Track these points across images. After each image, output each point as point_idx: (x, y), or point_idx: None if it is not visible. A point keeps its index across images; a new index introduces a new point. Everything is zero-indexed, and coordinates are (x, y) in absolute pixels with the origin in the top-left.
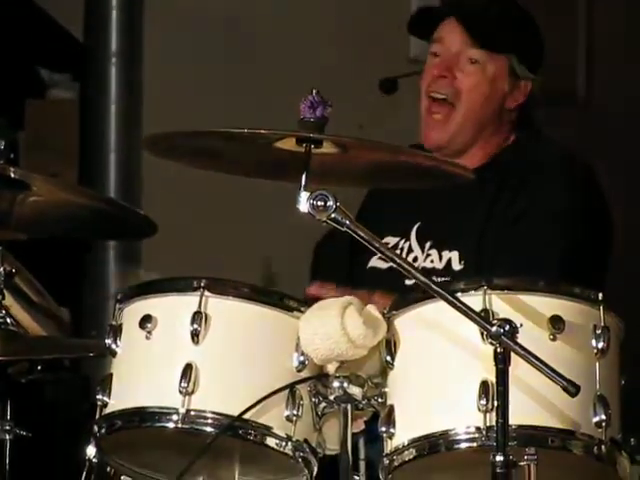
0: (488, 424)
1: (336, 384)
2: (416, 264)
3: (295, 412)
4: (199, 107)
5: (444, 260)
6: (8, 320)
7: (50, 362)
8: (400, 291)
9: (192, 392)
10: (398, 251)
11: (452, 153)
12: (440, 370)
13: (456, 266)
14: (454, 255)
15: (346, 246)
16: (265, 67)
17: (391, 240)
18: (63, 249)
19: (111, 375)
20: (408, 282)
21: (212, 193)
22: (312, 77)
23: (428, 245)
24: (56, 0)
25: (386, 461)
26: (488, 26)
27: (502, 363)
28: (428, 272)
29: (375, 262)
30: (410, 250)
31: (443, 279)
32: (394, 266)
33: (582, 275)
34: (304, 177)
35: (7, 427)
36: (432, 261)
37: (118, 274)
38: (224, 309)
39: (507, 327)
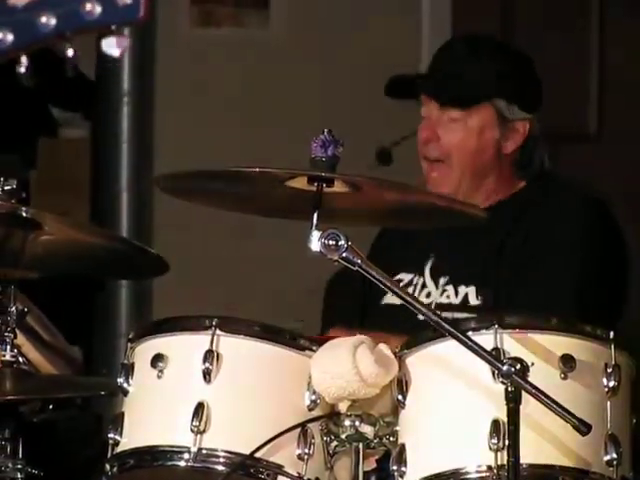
0: (499, 463)
1: (348, 423)
2: (430, 299)
3: (307, 451)
4: (211, 146)
5: (460, 295)
6: (20, 359)
7: (62, 401)
8: (415, 327)
9: (204, 431)
10: (412, 287)
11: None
12: (451, 409)
13: (473, 301)
14: (471, 290)
15: (358, 284)
16: (279, 105)
17: (405, 277)
18: (75, 288)
19: (123, 414)
20: (421, 318)
21: (224, 231)
22: (324, 116)
23: (443, 281)
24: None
25: None
26: (460, 89)
27: (513, 402)
28: (445, 307)
29: (390, 299)
30: (424, 286)
31: (461, 314)
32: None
33: (599, 312)
34: (315, 216)
35: (19, 466)
36: (448, 297)
37: (130, 313)
38: (236, 348)
39: (518, 366)
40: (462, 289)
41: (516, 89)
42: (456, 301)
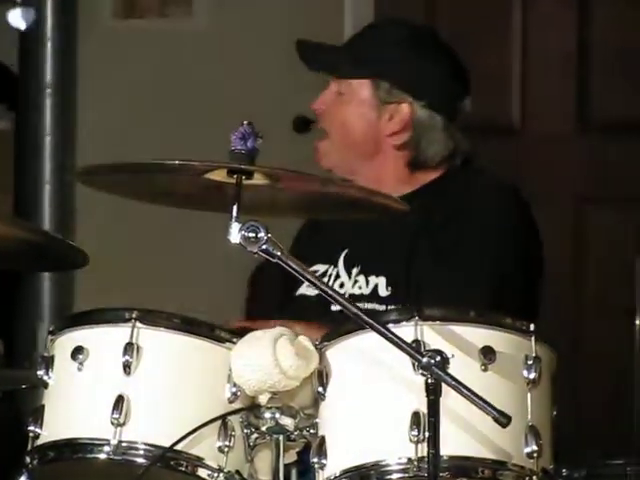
0: (420, 455)
1: (268, 415)
2: (343, 290)
3: (227, 443)
4: (133, 138)
5: (371, 285)
6: None
7: None
8: (328, 318)
9: (124, 423)
10: (326, 278)
11: (346, 174)
12: (371, 401)
13: (383, 292)
14: (381, 281)
15: (278, 275)
16: (198, 98)
17: (320, 267)
18: None
19: (43, 406)
20: (335, 308)
21: (145, 224)
22: (243, 108)
23: (355, 271)
24: None
25: None
26: (337, 60)
27: (433, 394)
28: (356, 298)
29: (304, 290)
30: (337, 276)
31: (370, 305)
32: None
33: (513, 305)
34: (235, 208)
35: None
36: (360, 287)
37: (52, 305)
38: (156, 340)
39: (438, 358)
40: (372, 279)
41: (404, 73)
42: (367, 291)
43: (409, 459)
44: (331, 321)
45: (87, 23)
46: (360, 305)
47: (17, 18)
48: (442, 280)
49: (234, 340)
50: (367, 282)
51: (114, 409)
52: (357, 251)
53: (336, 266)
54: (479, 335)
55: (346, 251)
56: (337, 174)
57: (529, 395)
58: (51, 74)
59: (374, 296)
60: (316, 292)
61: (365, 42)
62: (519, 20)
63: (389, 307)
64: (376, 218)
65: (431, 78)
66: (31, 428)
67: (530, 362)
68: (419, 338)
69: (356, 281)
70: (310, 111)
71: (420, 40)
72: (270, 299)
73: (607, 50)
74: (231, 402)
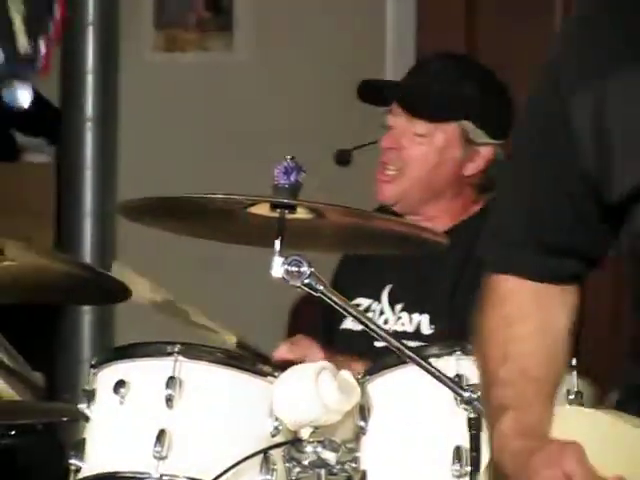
0: None
1: (310, 449)
2: (387, 326)
3: (269, 477)
4: (174, 172)
5: (414, 323)
6: None
7: (23, 427)
8: (371, 353)
9: (166, 457)
10: (370, 313)
11: (405, 210)
12: (413, 435)
13: (426, 330)
14: (424, 318)
15: (320, 309)
16: (240, 131)
17: (363, 302)
18: (36, 313)
19: (84, 439)
20: (378, 344)
21: (186, 259)
22: (286, 143)
23: (399, 307)
24: None
25: None
26: (430, 103)
27: (475, 429)
28: (399, 335)
29: (348, 324)
30: (382, 312)
31: (414, 343)
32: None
33: None
34: (278, 242)
35: None
36: (403, 324)
37: (92, 339)
38: (198, 374)
39: (480, 392)
40: (416, 317)
41: (485, 114)
42: (410, 329)
43: None
44: (375, 357)
45: (128, 57)
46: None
47: (14, 98)
48: None
49: (276, 374)
50: (410, 319)
51: (156, 443)
52: (401, 287)
53: (380, 302)
54: None
55: (390, 286)
56: (397, 210)
57: None
58: (92, 107)
59: (417, 334)
60: (360, 327)
61: (445, 81)
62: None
63: None
64: (420, 254)
65: (505, 119)
66: (72, 461)
67: (571, 397)
68: (461, 372)
69: (399, 317)
70: (350, 143)
71: (492, 80)
72: (312, 331)
73: None
74: (273, 436)
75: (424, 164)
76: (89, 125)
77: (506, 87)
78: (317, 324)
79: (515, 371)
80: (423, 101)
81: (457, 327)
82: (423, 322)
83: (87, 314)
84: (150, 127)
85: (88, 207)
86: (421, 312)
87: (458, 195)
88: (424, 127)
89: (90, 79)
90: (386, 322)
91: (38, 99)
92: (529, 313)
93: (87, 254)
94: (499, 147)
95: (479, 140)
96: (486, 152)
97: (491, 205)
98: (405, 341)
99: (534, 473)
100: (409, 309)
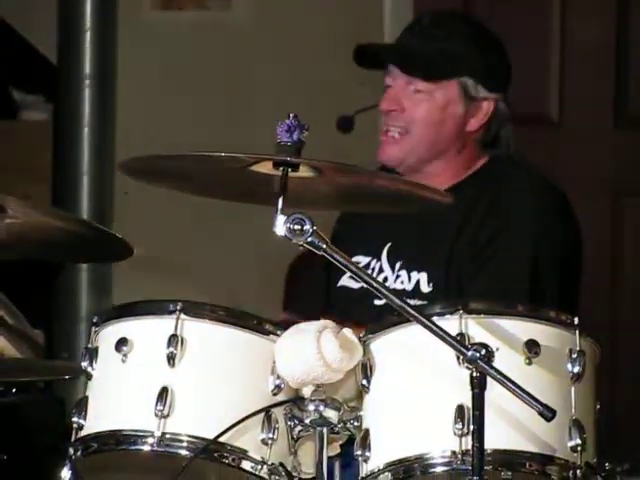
0: (464, 448)
1: (312, 407)
2: (386, 284)
3: (271, 435)
4: (172, 130)
5: (413, 281)
6: None
7: (24, 384)
8: (370, 311)
9: (168, 415)
10: (370, 271)
11: (408, 170)
12: (416, 394)
13: (425, 288)
14: (422, 276)
15: (320, 268)
16: (242, 90)
17: (362, 260)
18: (36, 270)
19: (87, 398)
20: (378, 302)
21: (185, 215)
22: (289, 99)
23: (398, 265)
24: (29, 22)
25: None
26: (427, 62)
27: (478, 387)
28: (398, 293)
29: (346, 281)
30: (381, 270)
31: (413, 301)
32: (365, 286)
33: (552, 302)
34: (281, 201)
35: None
36: (402, 282)
37: (90, 296)
38: (200, 332)
39: (483, 351)
40: (414, 275)
41: (482, 69)
42: (409, 287)
43: (453, 452)
44: (374, 314)
45: (126, 14)
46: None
47: None
48: (479, 280)
49: (278, 332)
50: (409, 277)
51: (158, 401)
52: (400, 245)
53: (379, 259)
54: (524, 329)
55: (389, 244)
56: (400, 170)
57: (573, 389)
58: (90, 65)
59: (416, 292)
60: (358, 285)
61: (440, 39)
62: (558, 14)
63: None
64: (421, 212)
65: (503, 71)
66: (75, 419)
67: (574, 356)
68: (464, 331)
69: (398, 276)
70: (351, 107)
71: (485, 34)
72: (310, 293)
73: None
74: (275, 394)
75: (428, 122)
76: (87, 83)
77: (500, 40)
78: (317, 286)
79: None
80: (419, 61)
81: (454, 286)
82: (422, 280)
83: (84, 272)
84: (148, 85)
85: (85, 166)
86: (419, 270)
87: (461, 152)
88: (423, 85)
89: (88, 37)
90: (385, 280)
91: (35, 56)
92: None
93: (84, 212)
94: (500, 100)
95: (479, 95)
96: (487, 106)
97: (492, 164)
98: (405, 299)
99: None
100: (408, 267)
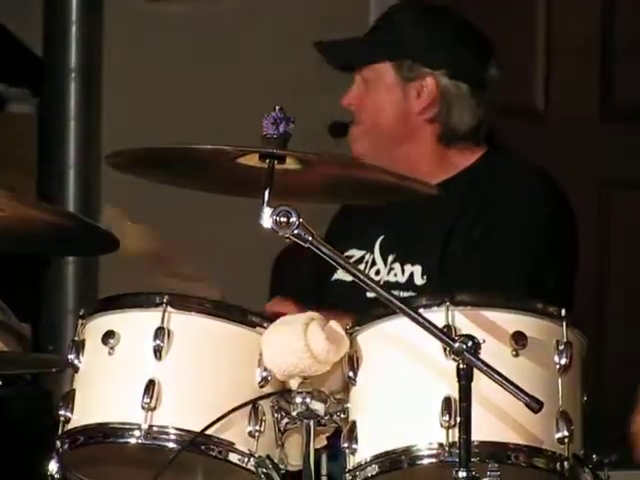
0: (451, 440)
1: (299, 400)
2: (379, 277)
3: (257, 428)
4: (159, 123)
5: (406, 274)
6: None
7: (11, 377)
8: (364, 304)
9: (154, 408)
10: (363, 265)
11: (383, 161)
12: (402, 386)
13: (418, 281)
14: (417, 269)
15: (307, 261)
16: (229, 83)
17: (356, 253)
18: (22, 264)
19: (74, 390)
20: (370, 295)
21: (171, 209)
22: (275, 93)
23: (391, 258)
24: (15, 14)
25: (348, 477)
26: (346, 52)
27: (465, 379)
28: (391, 286)
29: (340, 275)
30: (373, 263)
31: (406, 293)
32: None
33: (547, 295)
34: (267, 193)
35: None
36: (395, 275)
37: (76, 289)
38: (187, 325)
39: (470, 343)
40: (408, 268)
41: (413, 47)
42: (402, 280)
43: (440, 444)
44: (366, 307)
45: (114, 6)
46: (396, 293)
47: None
48: (475, 266)
49: (265, 324)
50: (403, 270)
51: (145, 394)
52: (394, 238)
53: (372, 252)
54: (510, 320)
55: (382, 237)
56: (369, 161)
57: (560, 380)
58: (76, 58)
59: (410, 285)
60: (352, 278)
61: (382, 27)
62: (543, 5)
63: None
64: (409, 203)
65: (446, 46)
66: (61, 412)
67: (561, 347)
68: (450, 323)
69: (391, 268)
70: (344, 110)
71: (434, 15)
72: (297, 284)
73: (631, 36)
74: (262, 387)
75: (372, 109)
76: (73, 76)
77: (437, 11)
78: (304, 279)
79: None
80: (337, 52)
81: (448, 278)
82: (416, 273)
83: (71, 265)
84: (135, 78)
85: (71, 159)
86: (413, 263)
87: (419, 136)
88: (365, 75)
89: (74, 29)
90: (378, 273)
91: (21, 48)
92: None
93: (70, 206)
94: (443, 76)
95: (416, 74)
96: (428, 83)
97: (485, 159)
98: (398, 292)
99: None
100: (401, 260)
